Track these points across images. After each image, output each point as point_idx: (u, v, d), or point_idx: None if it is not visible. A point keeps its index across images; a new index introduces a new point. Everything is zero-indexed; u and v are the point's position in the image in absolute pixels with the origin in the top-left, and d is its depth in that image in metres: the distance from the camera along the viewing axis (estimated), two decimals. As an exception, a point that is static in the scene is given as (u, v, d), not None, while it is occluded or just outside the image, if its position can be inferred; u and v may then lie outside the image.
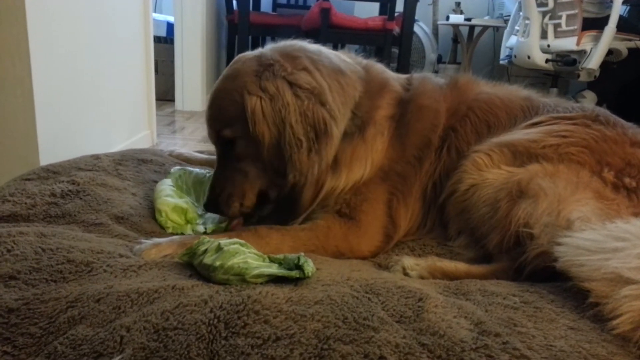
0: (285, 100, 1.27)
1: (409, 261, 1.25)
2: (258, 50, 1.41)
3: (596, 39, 4.07)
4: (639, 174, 1.28)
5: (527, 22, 4.24)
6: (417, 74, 1.62)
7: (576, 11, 4.05)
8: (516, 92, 1.59)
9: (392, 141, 1.43)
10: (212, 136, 1.40)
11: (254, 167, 1.35)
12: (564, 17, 4.08)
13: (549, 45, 4.20)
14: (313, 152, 1.29)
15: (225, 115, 1.34)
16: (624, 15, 4.63)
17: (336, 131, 1.32)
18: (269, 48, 1.40)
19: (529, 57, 4.26)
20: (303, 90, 1.28)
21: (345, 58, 1.47)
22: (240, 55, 1.42)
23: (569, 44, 4.13)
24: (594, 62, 4.02)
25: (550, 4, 4.08)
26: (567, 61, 4.15)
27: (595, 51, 4.01)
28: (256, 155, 1.33)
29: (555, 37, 4.17)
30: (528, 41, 4.23)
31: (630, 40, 4.25)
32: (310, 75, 1.31)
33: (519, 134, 1.40)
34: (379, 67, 1.54)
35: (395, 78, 1.54)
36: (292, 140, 1.27)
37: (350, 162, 1.38)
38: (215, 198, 1.37)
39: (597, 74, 4.14)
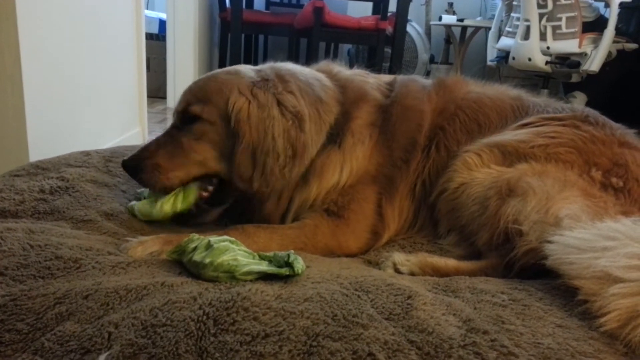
0: (272, 113, 1.33)
1: (399, 257, 1.26)
2: (259, 66, 1.51)
3: (595, 42, 4.10)
4: (626, 173, 1.30)
5: (526, 23, 4.24)
6: (402, 77, 1.65)
7: (575, 13, 4.07)
8: (506, 91, 1.60)
9: (378, 146, 1.46)
10: (179, 107, 1.39)
11: (208, 152, 1.35)
12: (563, 19, 4.10)
13: (548, 47, 4.21)
14: (286, 169, 1.33)
15: (204, 94, 1.36)
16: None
17: (307, 157, 1.37)
18: (267, 66, 1.49)
19: (529, 59, 4.27)
20: (288, 111, 1.35)
21: (327, 82, 1.50)
22: (242, 65, 1.50)
23: (570, 46, 4.15)
24: (595, 64, 4.05)
25: (550, 6, 4.10)
26: (571, 63, 4.16)
27: (597, 54, 4.04)
28: (216, 144, 1.35)
29: (554, 39, 4.18)
30: (528, 43, 4.23)
31: (618, 42, 4.30)
32: (296, 100, 1.38)
33: (509, 135, 1.41)
34: (358, 80, 1.55)
35: (375, 87, 1.55)
36: (270, 151, 1.31)
37: (320, 171, 1.41)
38: (141, 159, 1.34)
39: (585, 75, 4.18)
